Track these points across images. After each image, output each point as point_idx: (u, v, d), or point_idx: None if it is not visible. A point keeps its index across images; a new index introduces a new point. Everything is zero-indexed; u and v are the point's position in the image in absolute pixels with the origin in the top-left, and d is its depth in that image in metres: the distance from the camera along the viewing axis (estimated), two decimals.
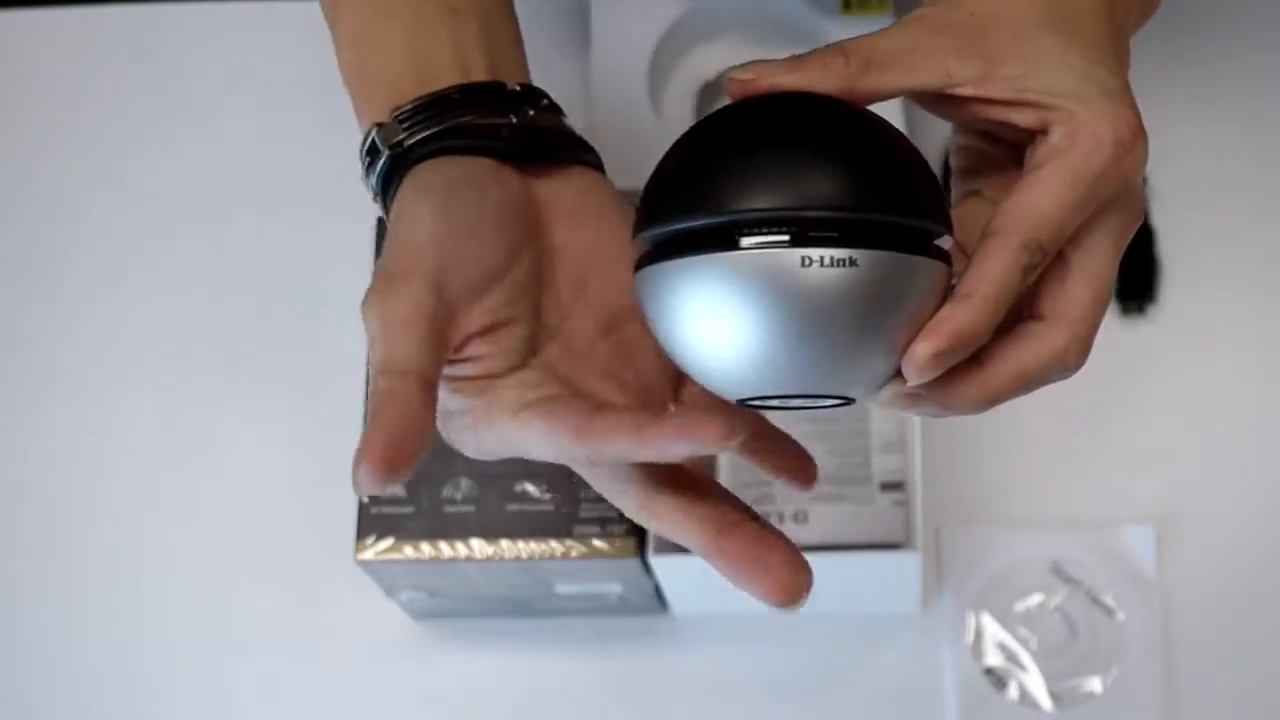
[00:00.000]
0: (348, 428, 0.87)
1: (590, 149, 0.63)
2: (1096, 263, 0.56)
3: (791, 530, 0.89)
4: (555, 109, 0.63)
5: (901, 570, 0.84)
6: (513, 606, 0.90)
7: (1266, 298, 0.94)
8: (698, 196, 0.51)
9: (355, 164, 1.02)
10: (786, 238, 0.49)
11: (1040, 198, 0.54)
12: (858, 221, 0.50)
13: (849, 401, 0.53)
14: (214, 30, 1.07)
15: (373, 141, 0.62)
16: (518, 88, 0.62)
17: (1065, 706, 0.86)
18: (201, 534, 0.95)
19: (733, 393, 0.53)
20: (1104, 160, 0.54)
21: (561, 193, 0.61)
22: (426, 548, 0.84)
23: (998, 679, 0.87)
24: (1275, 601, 0.88)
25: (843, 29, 0.95)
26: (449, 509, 0.84)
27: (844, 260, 0.50)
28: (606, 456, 0.53)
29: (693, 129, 0.54)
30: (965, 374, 0.54)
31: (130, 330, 1.00)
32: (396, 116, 0.61)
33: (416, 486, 0.84)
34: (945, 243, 0.54)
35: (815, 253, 0.49)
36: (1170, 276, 0.94)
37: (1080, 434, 0.92)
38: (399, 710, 0.91)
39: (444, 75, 0.61)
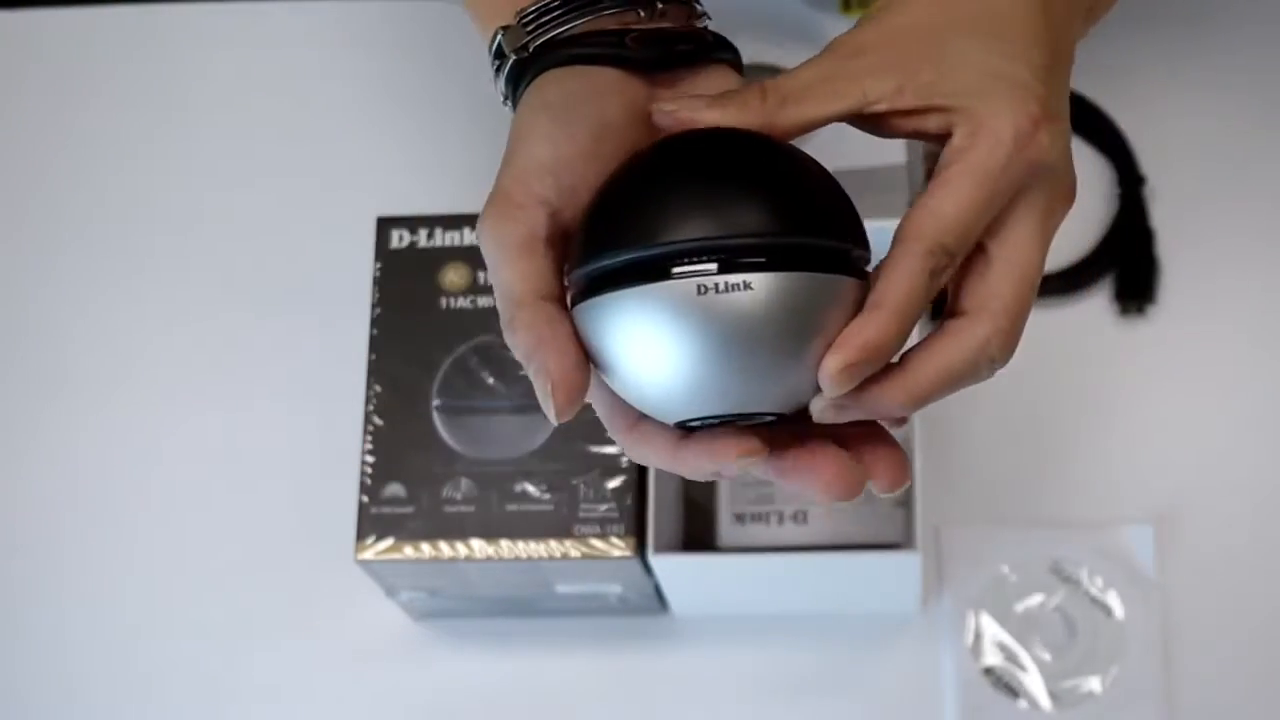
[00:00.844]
0: (348, 428, 0.87)
1: (727, 45, 0.62)
2: (1017, 251, 0.55)
3: (791, 530, 0.89)
4: (688, 1, 0.61)
5: (901, 570, 0.84)
6: (513, 606, 0.90)
7: (1266, 298, 0.94)
8: (625, 232, 0.53)
9: (355, 163, 1.03)
10: (714, 266, 0.51)
11: (943, 201, 0.54)
12: (777, 245, 0.52)
13: (783, 417, 0.54)
14: (214, 30, 1.07)
15: (499, 46, 0.60)
16: None
17: (1065, 706, 0.86)
18: (201, 534, 0.95)
19: (671, 416, 0.55)
20: (1004, 154, 0.54)
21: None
22: (426, 548, 0.84)
23: (998, 679, 0.87)
24: (1275, 601, 0.88)
25: (843, 29, 0.95)
26: (449, 509, 0.84)
27: (765, 283, 0.52)
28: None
29: (617, 170, 0.55)
30: (888, 378, 0.55)
31: (130, 330, 1.00)
32: (521, 19, 0.59)
33: (416, 486, 0.84)
34: (862, 260, 0.55)
35: (739, 278, 0.51)
36: (1169, 277, 0.94)
37: (1080, 434, 0.92)
38: (399, 710, 0.91)
39: None
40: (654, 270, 0.52)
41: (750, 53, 1.00)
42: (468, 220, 0.89)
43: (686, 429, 0.55)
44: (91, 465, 0.97)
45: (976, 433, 0.92)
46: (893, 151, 0.93)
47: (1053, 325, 0.94)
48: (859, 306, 0.54)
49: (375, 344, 0.87)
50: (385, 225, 0.89)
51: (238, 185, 1.03)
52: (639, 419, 0.56)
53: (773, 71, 0.99)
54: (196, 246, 1.02)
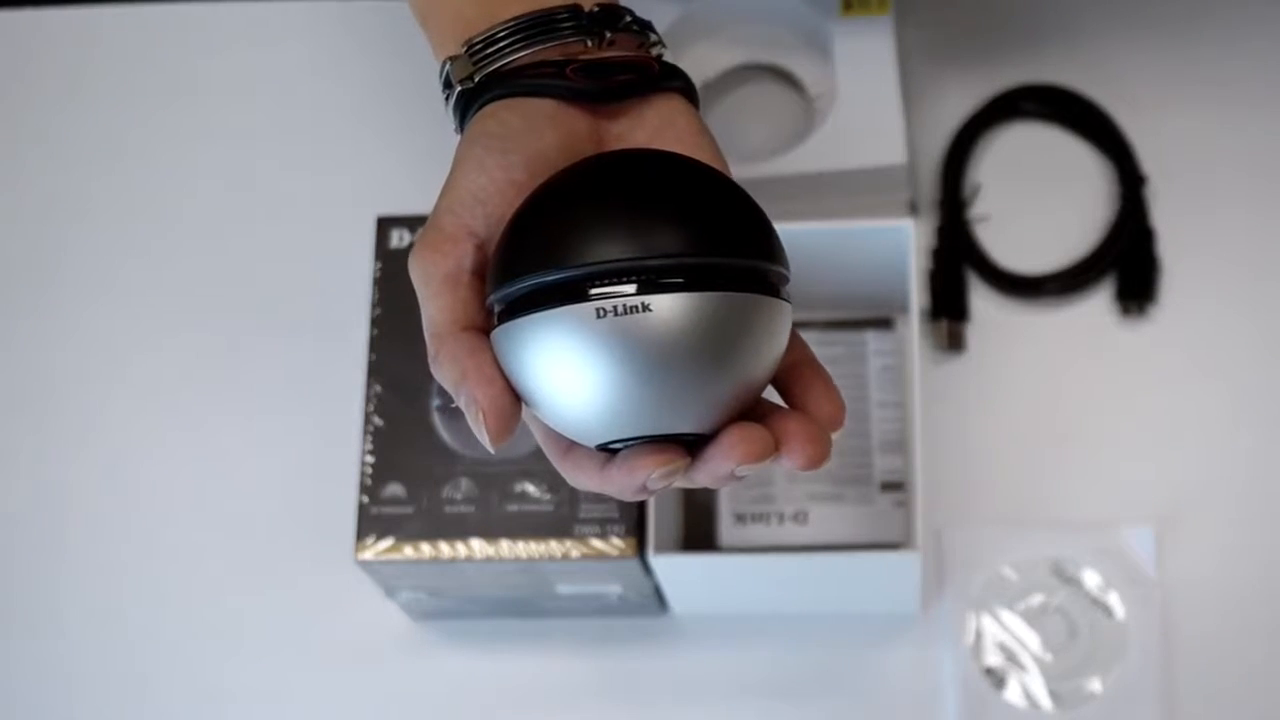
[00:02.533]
0: (347, 428, 0.87)
1: (675, 72, 0.61)
2: None
3: (791, 530, 0.89)
4: (640, 27, 0.61)
5: (901, 570, 0.84)
6: (513, 606, 0.90)
7: (1266, 298, 0.94)
8: (542, 254, 0.52)
9: (355, 163, 1.03)
10: (632, 287, 0.51)
11: None
12: (691, 265, 0.52)
13: (703, 437, 0.54)
14: (214, 30, 1.07)
15: (447, 75, 0.61)
16: (596, 7, 0.60)
17: (1065, 706, 0.86)
18: (201, 534, 0.95)
19: (591, 439, 0.54)
20: None
21: (634, 129, 0.60)
22: (426, 548, 0.84)
23: (998, 679, 0.87)
24: (1275, 601, 0.88)
25: (843, 29, 0.95)
26: (449, 509, 0.84)
27: (673, 304, 0.51)
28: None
29: (538, 189, 0.55)
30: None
31: (130, 330, 1.00)
32: (468, 49, 0.60)
33: (416, 486, 0.84)
34: (779, 277, 0.55)
35: (655, 299, 0.51)
36: (1169, 276, 0.94)
37: (1080, 434, 0.92)
38: (399, 710, 0.91)
39: (511, 3, 0.60)
40: (561, 293, 0.52)
41: (750, 53, 1.00)
42: None
43: (610, 451, 0.55)
44: (91, 465, 0.97)
45: (976, 433, 0.92)
46: (893, 151, 0.93)
47: (1053, 325, 0.94)
48: (774, 325, 0.54)
49: (375, 344, 0.87)
50: (385, 225, 0.89)
51: (238, 185, 1.03)
52: (570, 445, 0.56)
53: (773, 71, 1.00)
54: (196, 246, 1.02)
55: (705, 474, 0.54)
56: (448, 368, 0.55)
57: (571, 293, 0.52)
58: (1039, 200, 0.97)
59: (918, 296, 0.86)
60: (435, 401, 0.86)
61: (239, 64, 1.06)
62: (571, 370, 0.52)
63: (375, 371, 0.87)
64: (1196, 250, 0.95)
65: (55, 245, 1.02)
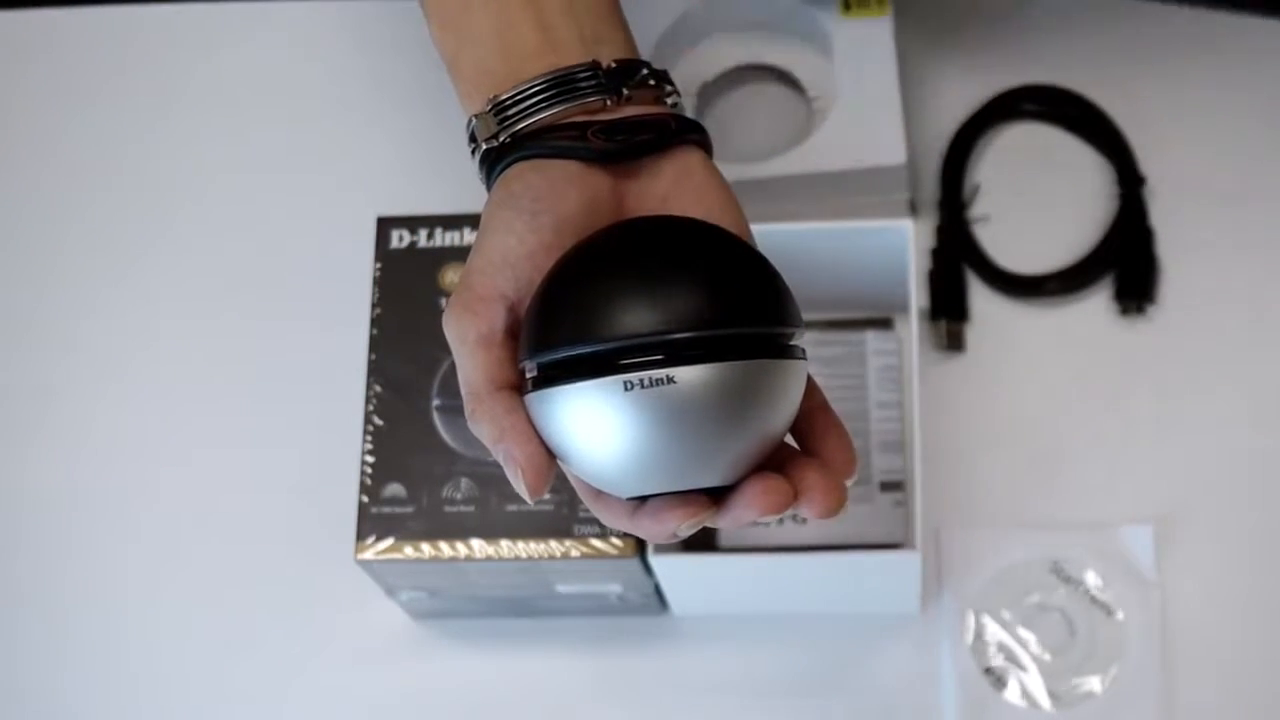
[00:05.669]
0: (348, 428, 0.87)
1: (693, 125, 0.64)
2: None
3: (791, 531, 0.89)
4: (657, 80, 0.64)
5: (901, 570, 0.84)
6: (513, 606, 0.90)
7: (1265, 297, 0.94)
8: (572, 327, 0.56)
9: (354, 164, 1.03)
10: (660, 358, 0.55)
11: None
12: (715, 338, 0.56)
13: (726, 489, 0.58)
14: (214, 30, 1.07)
15: (472, 132, 0.63)
16: (614, 64, 0.63)
17: (1065, 706, 0.86)
18: (201, 534, 0.95)
19: (621, 494, 0.59)
20: None
21: (653, 184, 0.62)
22: (426, 548, 0.84)
23: (998, 679, 0.87)
24: (1275, 601, 0.88)
25: (843, 29, 0.95)
26: (449, 509, 0.84)
27: (696, 375, 0.55)
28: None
29: (566, 258, 0.58)
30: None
31: (130, 330, 1.00)
32: (493, 108, 0.62)
33: (416, 486, 0.84)
34: (794, 337, 0.58)
35: (679, 371, 0.55)
36: (1169, 276, 0.94)
37: (1080, 434, 0.92)
38: (399, 710, 0.91)
39: (532, 59, 0.63)
40: (592, 365, 0.55)
41: (750, 53, 1.00)
42: (468, 220, 0.89)
43: (639, 500, 0.58)
44: (91, 465, 0.97)
45: (976, 433, 0.92)
46: (893, 151, 0.93)
47: (1052, 325, 0.94)
48: (789, 384, 0.57)
49: (375, 344, 0.87)
50: (385, 225, 0.89)
51: (237, 185, 1.03)
52: (601, 491, 0.59)
53: (773, 71, 1.00)
54: (196, 246, 1.02)
55: (728, 520, 0.58)
56: (486, 426, 0.58)
57: (601, 366, 0.55)
58: (1039, 200, 0.97)
59: (917, 296, 0.86)
60: (435, 401, 0.86)
61: (238, 64, 1.06)
62: (602, 436, 0.56)
63: (375, 371, 0.87)
64: (1196, 250, 0.95)
65: (53, 246, 1.02)
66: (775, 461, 0.58)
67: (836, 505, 0.57)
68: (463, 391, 0.59)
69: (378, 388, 0.86)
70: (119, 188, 1.04)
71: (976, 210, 0.97)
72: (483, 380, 0.59)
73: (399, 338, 0.87)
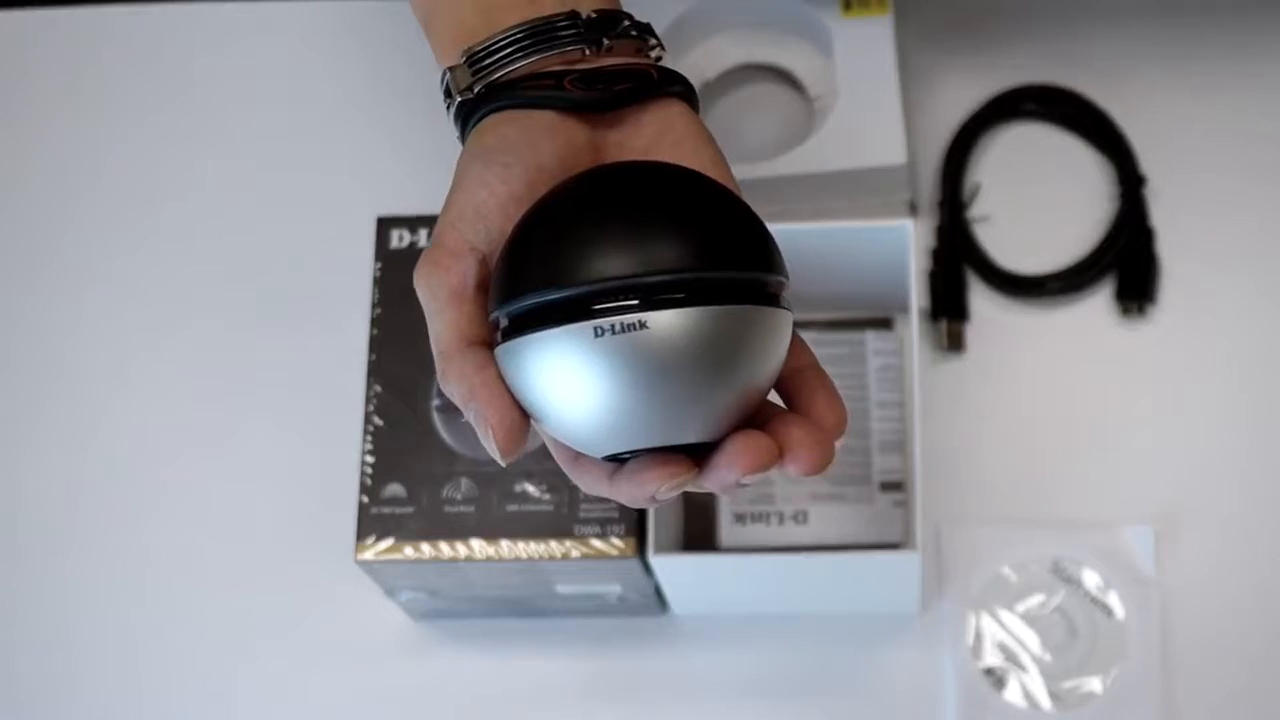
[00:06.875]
0: (348, 427, 0.87)
1: (677, 77, 0.61)
2: None
3: (791, 530, 0.89)
4: (639, 32, 0.61)
5: (901, 570, 0.84)
6: (513, 606, 0.90)
7: (1265, 298, 0.94)
8: (542, 272, 0.53)
9: (354, 163, 1.03)
10: (635, 302, 0.52)
11: None
12: (693, 280, 0.52)
13: (709, 445, 0.54)
14: (214, 30, 1.07)
15: (447, 85, 0.61)
16: (594, 14, 0.60)
17: (1065, 706, 0.86)
18: (201, 534, 0.95)
19: (596, 452, 0.55)
20: None
21: (634, 136, 0.60)
22: (426, 548, 0.84)
23: (998, 679, 0.87)
24: (1275, 601, 0.88)
25: (843, 29, 0.95)
26: (449, 509, 0.84)
27: (674, 319, 0.52)
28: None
29: (538, 204, 0.56)
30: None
31: (130, 330, 1.00)
32: (467, 59, 0.60)
33: (416, 487, 0.84)
34: (778, 286, 0.55)
35: (658, 315, 0.52)
36: (1169, 277, 0.94)
37: (1080, 434, 0.92)
38: (399, 710, 0.91)
39: (509, 10, 0.60)
40: (562, 312, 0.53)
41: (750, 53, 1.00)
42: None
43: (618, 460, 0.55)
44: (91, 465, 0.97)
45: (976, 433, 0.92)
46: (893, 151, 0.93)
47: (1052, 325, 0.94)
48: (773, 334, 0.54)
49: (375, 344, 0.87)
50: (385, 225, 0.89)
51: (238, 185, 1.03)
52: (579, 453, 0.56)
53: (773, 71, 1.00)
54: (196, 246, 1.02)
55: (711, 482, 0.55)
56: (456, 384, 0.56)
57: (572, 311, 0.52)
58: (1039, 200, 0.97)
59: (917, 296, 0.86)
60: (435, 401, 0.86)
61: (239, 64, 1.06)
62: (573, 387, 0.53)
63: (375, 371, 0.87)
64: (1196, 250, 0.95)
65: (53, 246, 1.02)
66: (760, 420, 0.55)
67: (823, 462, 0.54)
68: (433, 350, 0.57)
69: (378, 388, 0.86)
70: (118, 187, 1.04)
71: (976, 210, 0.97)
72: (453, 337, 0.56)
73: (399, 338, 0.87)
